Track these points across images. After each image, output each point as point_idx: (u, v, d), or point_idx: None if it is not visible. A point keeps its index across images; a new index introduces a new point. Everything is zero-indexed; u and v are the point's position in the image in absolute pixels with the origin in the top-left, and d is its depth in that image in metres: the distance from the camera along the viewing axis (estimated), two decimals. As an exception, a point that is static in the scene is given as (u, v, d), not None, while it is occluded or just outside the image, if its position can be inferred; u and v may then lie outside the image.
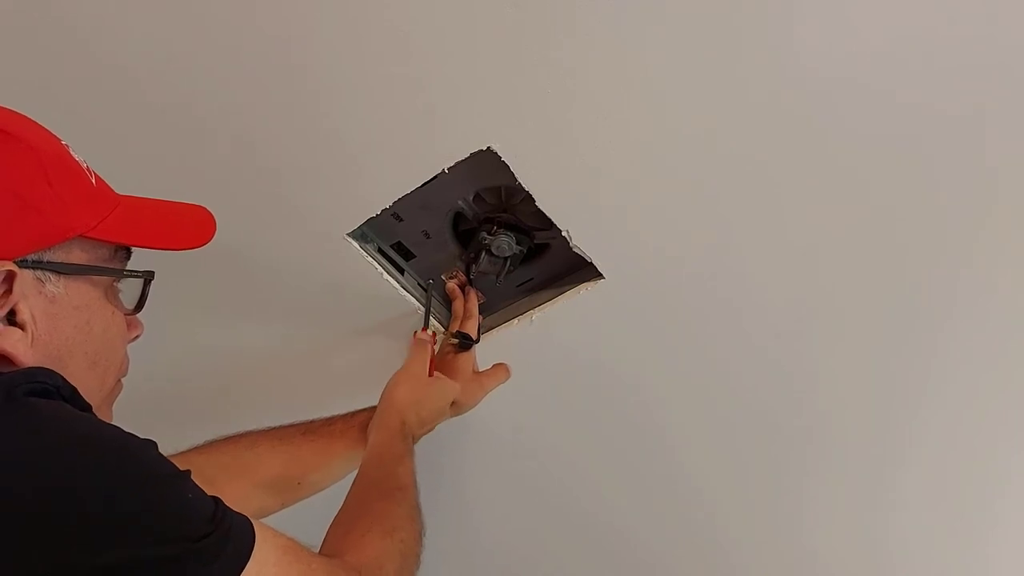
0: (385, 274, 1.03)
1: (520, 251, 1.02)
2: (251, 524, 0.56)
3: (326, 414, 1.04)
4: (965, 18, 0.73)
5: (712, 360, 1.07)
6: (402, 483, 0.84)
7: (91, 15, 0.80)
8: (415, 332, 1.03)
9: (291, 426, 1.00)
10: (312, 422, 1.01)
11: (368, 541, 0.73)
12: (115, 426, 0.57)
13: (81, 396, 0.57)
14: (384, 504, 0.79)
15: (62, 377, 0.56)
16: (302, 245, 1.00)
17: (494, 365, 1.08)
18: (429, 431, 1.00)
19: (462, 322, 1.06)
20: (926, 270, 0.93)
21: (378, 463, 0.87)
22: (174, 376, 1.08)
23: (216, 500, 0.55)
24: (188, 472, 0.55)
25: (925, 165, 0.84)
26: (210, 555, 0.52)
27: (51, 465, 0.49)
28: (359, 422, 1.00)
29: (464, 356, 1.05)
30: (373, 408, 1.03)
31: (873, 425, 1.10)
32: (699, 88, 0.81)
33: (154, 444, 0.55)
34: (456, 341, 1.04)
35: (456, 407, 1.02)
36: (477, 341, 1.06)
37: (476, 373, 1.06)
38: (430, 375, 0.99)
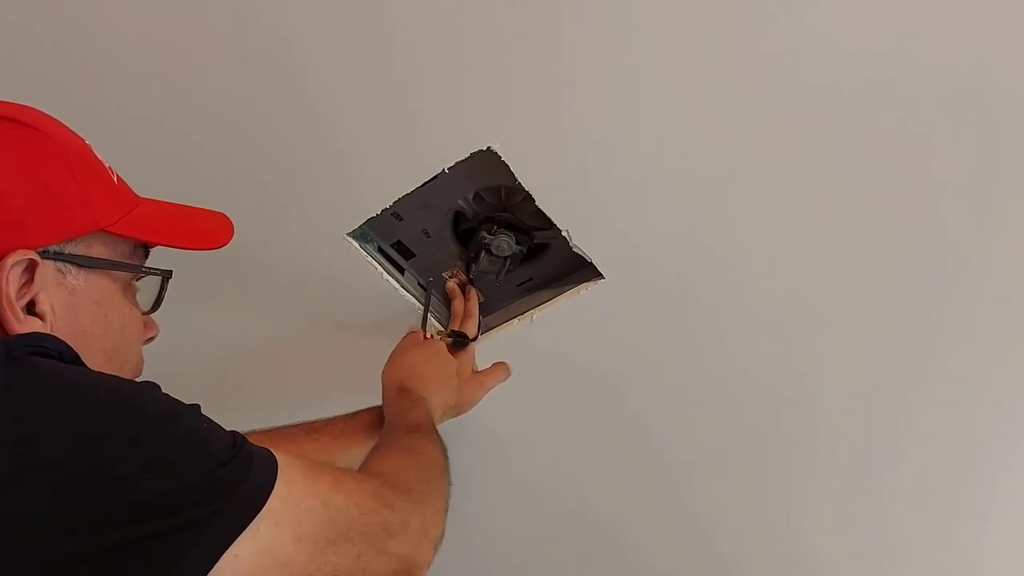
0: (385, 274, 1.03)
1: (520, 251, 1.02)
2: (269, 449, 0.58)
3: (326, 413, 1.03)
4: (955, 23, 0.73)
5: (710, 359, 1.07)
6: (416, 421, 0.87)
7: (90, 16, 0.80)
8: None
9: (293, 426, 1.00)
10: (315, 422, 1.01)
11: (387, 456, 0.77)
12: (115, 375, 0.58)
13: (84, 363, 0.58)
14: (400, 437, 0.83)
15: (64, 343, 0.57)
16: (302, 245, 1.00)
17: (494, 364, 1.08)
18: (455, 412, 1.01)
19: (462, 321, 1.06)
20: (917, 266, 0.93)
21: (388, 424, 0.90)
22: (172, 375, 1.08)
23: (232, 431, 0.57)
24: (198, 405, 0.56)
25: (922, 165, 0.84)
26: (238, 475, 0.54)
27: (66, 419, 0.50)
28: (361, 422, 1.01)
29: (464, 356, 1.04)
30: (375, 408, 1.03)
31: (864, 424, 1.10)
32: (700, 88, 0.81)
33: (157, 385, 0.56)
34: (450, 340, 1.04)
35: (456, 407, 1.02)
36: (475, 339, 1.06)
37: (475, 372, 1.06)
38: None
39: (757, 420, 1.12)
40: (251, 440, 0.98)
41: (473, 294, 1.09)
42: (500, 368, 1.07)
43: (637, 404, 1.14)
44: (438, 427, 0.97)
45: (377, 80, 0.83)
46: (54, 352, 0.55)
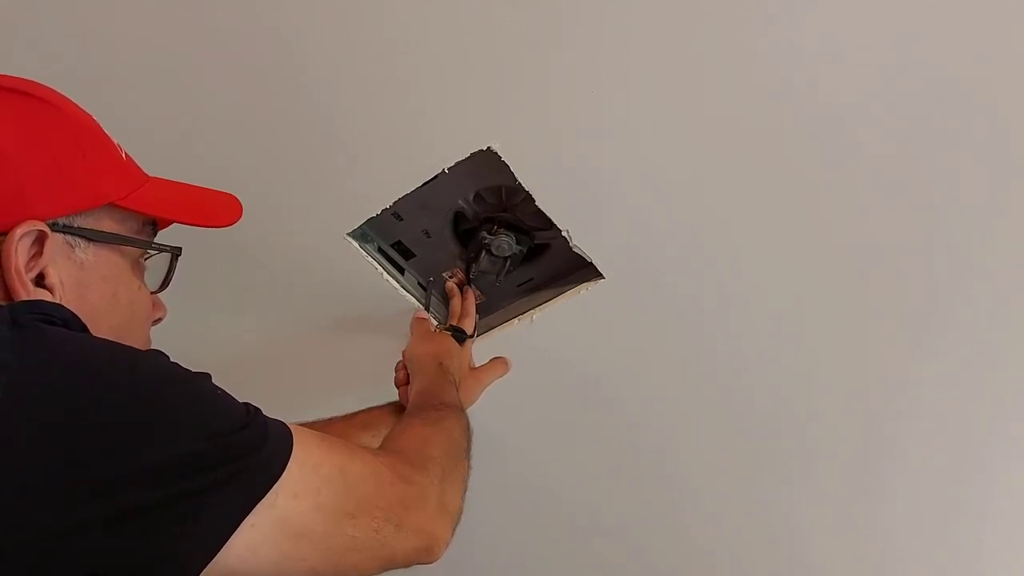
0: (385, 274, 1.03)
1: (520, 251, 1.03)
2: (281, 420, 0.57)
3: (326, 413, 1.03)
4: (954, 22, 0.74)
5: (710, 359, 1.07)
6: (447, 400, 0.87)
7: (90, 16, 0.80)
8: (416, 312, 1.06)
9: None
10: (313, 423, 1.00)
11: (411, 429, 0.76)
12: (123, 343, 0.56)
13: (91, 334, 0.57)
14: (429, 409, 0.83)
15: (70, 311, 0.56)
16: (302, 245, 1.00)
17: (492, 359, 1.07)
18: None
19: (459, 320, 1.06)
20: (917, 267, 0.93)
21: (422, 395, 0.89)
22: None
23: (246, 402, 0.56)
24: (208, 375, 0.56)
25: (921, 164, 0.84)
26: (255, 441, 0.53)
27: (74, 385, 0.48)
28: (360, 422, 1.00)
29: (461, 352, 1.04)
30: (373, 408, 1.02)
31: (863, 424, 1.10)
32: (699, 88, 0.81)
33: (166, 354, 0.55)
34: (449, 334, 1.04)
35: None
36: (472, 336, 1.06)
37: (473, 369, 1.06)
38: None
39: (756, 420, 1.13)
40: None
41: (470, 293, 1.09)
42: (498, 363, 1.07)
43: (636, 404, 1.14)
44: None
45: (377, 80, 0.83)
46: (58, 320, 0.54)
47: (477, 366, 1.07)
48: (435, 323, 1.08)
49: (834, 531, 1.24)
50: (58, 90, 0.63)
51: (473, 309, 1.08)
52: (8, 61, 0.82)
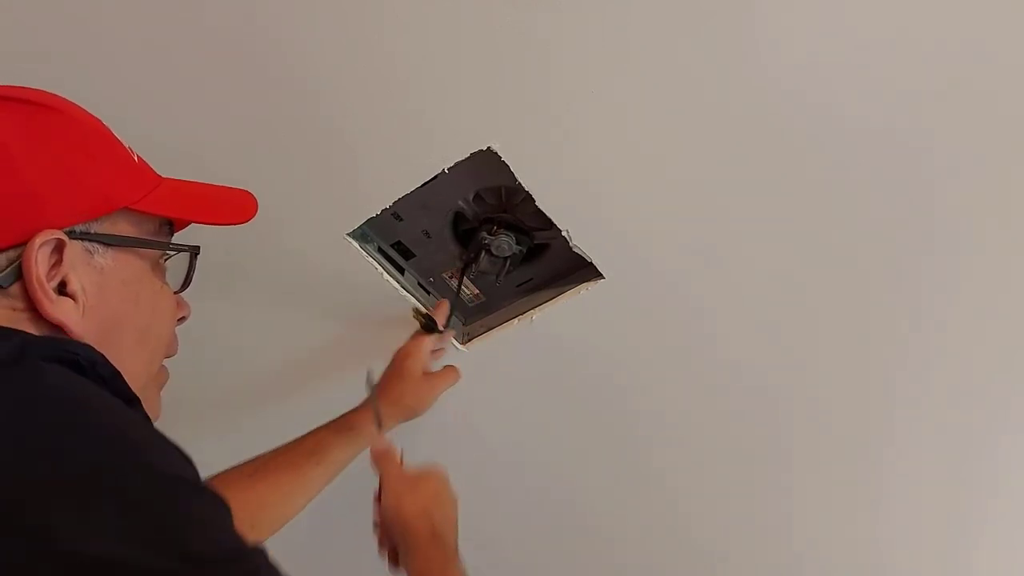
0: (385, 274, 1.03)
1: (520, 251, 1.03)
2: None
3: (325, 411, 1.03)
4: (948, 20, 0.74)
5: (710, 359, 1.07)
6: None
7: (89, 15, 0.80)
8: (372, 450, 0.89)
9: (238, 468, 0.92)
10: (258, 458, 0.94)
11: None
12: (140, 419, 0.52)
13: (124, 381, 0.54)
14: None
15: (104, 357, 0.54)
16: (302, 245, 1.00)
17: (445, 367, 1.04)
18: (411, 414, 0.99)
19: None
20: (915, 268, 0.93)
21: None
22: (170, 376, 1.08)
23: (258, 545, 0.46)
24: (225, 503, 0.47)
25: (917, 164, 0.84)
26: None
27: (40, 437, 0.43)
28: (305, 450, 0.96)
29: (414, 359, 0.99)
30: (319, 430, 0.99)
31: (863, 423, 1.10)
32: (699, 88, 0.81)
33: (189, 461, 0.48)
34: (423, 320, 1.02)
35: (408, 411, 0.99)
36: (440, 331, 1.03)
37: (426, 375, 1.01)
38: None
39: (756, 420, 1.12)
40: None
41: (443, 304, 1.06)
42: (451, 371, 1.03)
43: (637, 404, 1.14)
44: (418, 435, 0.92)
45: (377, 80, 0.83)
46: (84, 361, 0.51)
47: (431, 372, 1.02)
48: (415, 304, 1.07)
49: (835, 531, 1.24)
50: (64, 96, 0.63)
51: (446, 309, 1.05)
52: (11, 65, 0.82)
